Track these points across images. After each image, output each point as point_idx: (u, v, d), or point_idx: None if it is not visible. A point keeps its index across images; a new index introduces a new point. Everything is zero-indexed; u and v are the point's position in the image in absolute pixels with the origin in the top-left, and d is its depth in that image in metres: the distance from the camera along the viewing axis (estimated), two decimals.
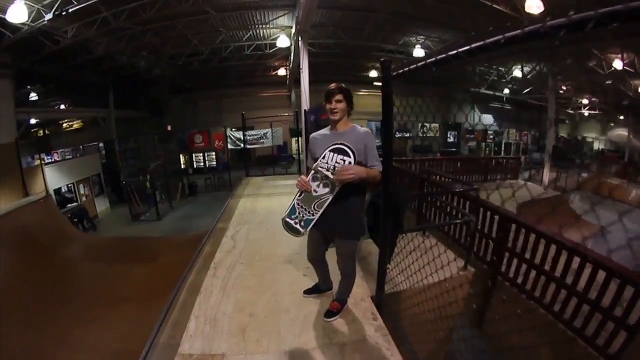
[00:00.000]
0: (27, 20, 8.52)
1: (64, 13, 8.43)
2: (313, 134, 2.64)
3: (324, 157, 2.42)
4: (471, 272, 3.77)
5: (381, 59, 2.25)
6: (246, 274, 3.62)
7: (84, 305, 6.18)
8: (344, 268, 2.70)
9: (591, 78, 14.92)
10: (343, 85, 2.41)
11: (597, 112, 20.02)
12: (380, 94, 2.25)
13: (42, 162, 12.67)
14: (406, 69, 1.96)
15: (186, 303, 3.22)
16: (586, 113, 21.04)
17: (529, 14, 9.17)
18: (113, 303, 6.21)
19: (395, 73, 2.07)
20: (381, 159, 2.41)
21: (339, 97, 2.37)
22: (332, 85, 2.41)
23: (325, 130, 2.58)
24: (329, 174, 2.37)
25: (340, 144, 2.38)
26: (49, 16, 8.47)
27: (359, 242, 2.73)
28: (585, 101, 20.06)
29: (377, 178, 2.38)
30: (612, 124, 18.61)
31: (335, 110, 2.39)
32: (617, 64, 13.15)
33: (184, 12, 10.51)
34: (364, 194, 2.57)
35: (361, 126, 2.54)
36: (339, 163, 2.36)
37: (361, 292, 3.10)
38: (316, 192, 2.43)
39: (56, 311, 5.92)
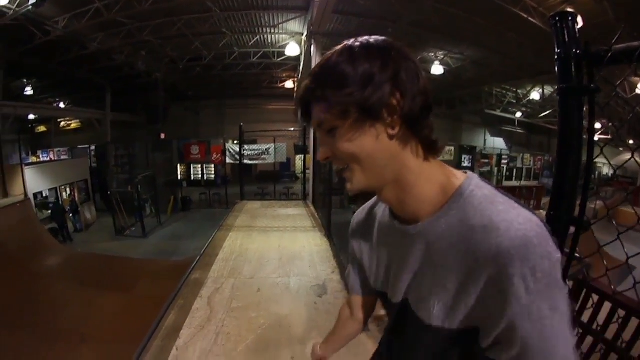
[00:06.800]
0: (12, 5, 7.85)
1: None
2: (360, 212, 0.95)
3: None
4: None
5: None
6: None
7: (37, 341, 5.12)
8: None
9: (611, 102, 14.11)
10: (340, 54, 0.62)
11: (608, 136, 19.11)
12: None
13: (22, 161, 11.67)
14: None
15: None
16: (596, 138, 20.03)
17: None
18: (72, 341, 5.17)
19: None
20: None
21: (320, 114, 0.65)
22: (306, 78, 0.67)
23: (382, 207, 0.84)
24: None
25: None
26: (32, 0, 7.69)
27: None
28: (598, 125, 19.13)
29: None
30: (621, 149, 17.50)
31: (343, 171, 0.69)
32: None
33: (183, 7, 9.56)
34: None
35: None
36: None
37: None
38: None
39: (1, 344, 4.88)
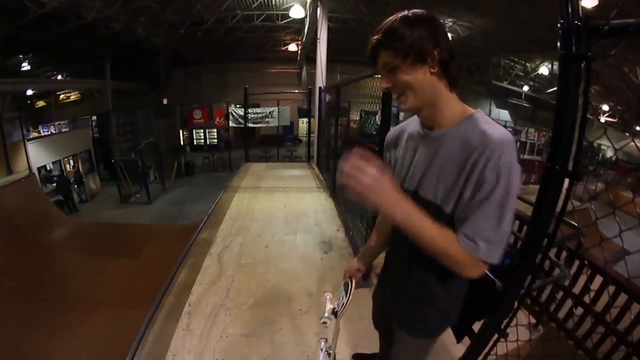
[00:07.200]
0: None
1: None
2: (392, 131, 1.31)
3: None
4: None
5: None
6: (234, 332, 2.48)
7: (51, 311, 5.27)
8: None
9: (620, 85, 13.81)
10: (400, 20, 0.96)
11: (615, 120, 18.76)
12: None
13: (25, 137, 11.64)
14: None
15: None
16: (603, 120, 19.65)
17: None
18: (85, 308, 5.33)
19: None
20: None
21: (387, 58, 0.98)
22: (374, 34, 1.00)
23: (413, 124, 1.20)
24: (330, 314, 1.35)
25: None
26: None
27: (429, 342, 1.35)
28: (605, 107, 18.80)
29: (451, 258, 0.97)
30: (627, 134, 17.34)
31: (399, 96, 1.04)
32: None
33: None
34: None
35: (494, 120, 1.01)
36: None
37: None
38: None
39: (17, 317, 4.99)
